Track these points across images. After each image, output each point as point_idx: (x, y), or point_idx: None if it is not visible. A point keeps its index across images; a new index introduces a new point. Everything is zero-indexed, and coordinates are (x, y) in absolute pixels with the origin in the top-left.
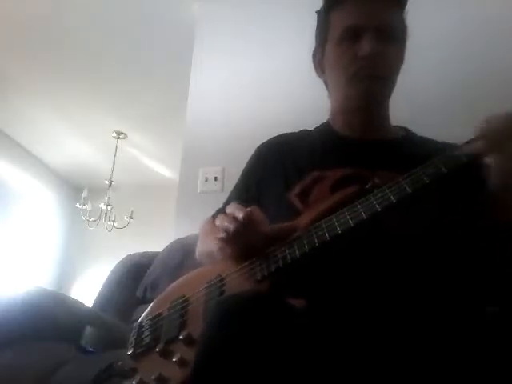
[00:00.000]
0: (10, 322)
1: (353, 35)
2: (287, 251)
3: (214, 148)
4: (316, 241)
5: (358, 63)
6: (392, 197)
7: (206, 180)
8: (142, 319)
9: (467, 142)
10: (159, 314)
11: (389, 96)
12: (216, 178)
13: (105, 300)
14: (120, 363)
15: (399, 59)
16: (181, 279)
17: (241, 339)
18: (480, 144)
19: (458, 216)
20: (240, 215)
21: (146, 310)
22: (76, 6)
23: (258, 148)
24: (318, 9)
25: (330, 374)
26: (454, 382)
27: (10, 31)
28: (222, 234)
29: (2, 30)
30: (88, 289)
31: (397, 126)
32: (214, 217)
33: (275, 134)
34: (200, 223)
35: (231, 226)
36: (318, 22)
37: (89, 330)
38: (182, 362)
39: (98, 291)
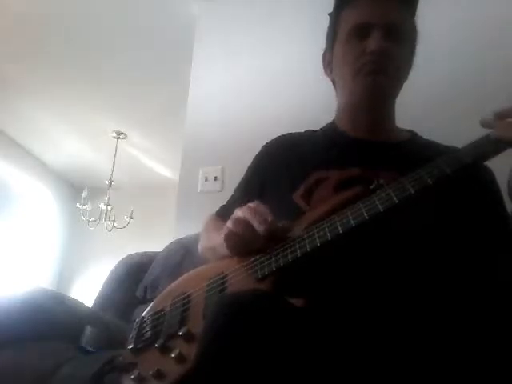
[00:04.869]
0: (10, 321)
1: (361, 32)
2: (289, 250)
3: (214, 148)
4: (317, 240)
5: (364, 58)
6: (394, 197)
7: (206, 180)
8: (145, 315)
9: (472, 143)
10: (161, 310)
11: (394, 96)
12: (216, 178)
13: (105, 300)
14: (121, 358)
15: (407, 62)
16: (184, 276)
17: (239, 337)
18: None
19: (459, 216)
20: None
21: (149, 307)
22: (76, 6)
23: (262, 148)
24: (329, 11)
25: (330, 373)
26: (454, 382)
27: (9, 31)
28: (237, 229)
29: (2, 30)
30: (88, 289)
31: (403, 129)
32: (217, 213)
33: (275, 134)
34: (200, 223)
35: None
36: (330, 23)
37: (89, 329)
38: (180, 358)
39: (98, 291)
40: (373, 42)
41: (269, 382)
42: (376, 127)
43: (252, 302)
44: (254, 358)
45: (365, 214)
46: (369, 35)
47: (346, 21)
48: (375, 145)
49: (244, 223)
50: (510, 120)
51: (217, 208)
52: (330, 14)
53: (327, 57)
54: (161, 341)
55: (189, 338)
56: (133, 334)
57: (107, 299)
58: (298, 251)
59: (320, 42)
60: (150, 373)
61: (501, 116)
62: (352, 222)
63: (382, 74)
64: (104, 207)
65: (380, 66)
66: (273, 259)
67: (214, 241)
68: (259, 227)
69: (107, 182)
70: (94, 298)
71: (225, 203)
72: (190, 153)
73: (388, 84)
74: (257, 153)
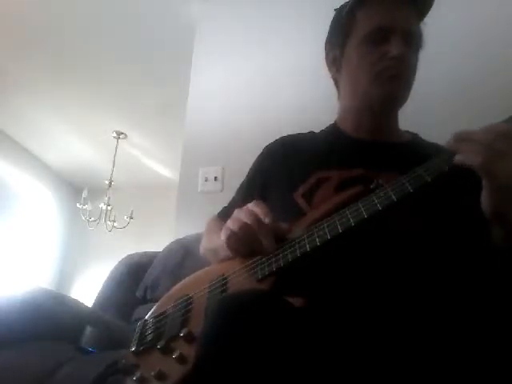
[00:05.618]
0: (10, 321)
1: (381, 36)
2: (288, 250)
3: (214, 148)
4: (317, 240)
5: (384, 63)
6: (393, 196)
7: (206, 180)
8: (148, 317)
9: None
10: (163, 313)
11: (404, 102)
12: (216, 178)
13: (105, 300)
14: (124, 360)
15: (416, 67)
16: (186, 278)
17: (239, 338)
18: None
19: (459, 214)
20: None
21: (152, 309)
22: (76, 6)
23: (264, 149)
24: (330, 11)
25: (329, 373)
26: (453, 381)
27: (10, 31)
28: (235, 228)
29: (3, 30)
30: (88, 289)
31: (404, 130)
32: (219, 215)
33: (275, 134)
34: (200, 223)
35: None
36: (338, 19)
37: (89, 329)
38: (181, 359)
39: (98, 291)
40: (395, 48)
41: (268, 382)
42: (379, 128)
43: (251, 301)
44: (253, 358)
45: (364, 213)
46: (388, 39)
47: (364, 22)
48: (377, 145)
49: (243, 225)
50: (471, 144)
51: (217, 208)
52: (337, 10)
53: (332, 55)
54: (162, 342)
55: (190, 338)
56: (135, 337)
57: (107, 299)
58: (298, 251)
59: (320, 42)
60: (152, 374)
61: (461, 138)
62: (351, 221)
63: (400, 79)
64: (104, 207)
65: (399, 71)
66: (273, 259)
67: (215, 242)
68: (259, 232)
69: (107, 182)
70: (94, 297)
71: (226, 204)
72: (190, 153)
73: (404, 89)
74: (258, 153)
